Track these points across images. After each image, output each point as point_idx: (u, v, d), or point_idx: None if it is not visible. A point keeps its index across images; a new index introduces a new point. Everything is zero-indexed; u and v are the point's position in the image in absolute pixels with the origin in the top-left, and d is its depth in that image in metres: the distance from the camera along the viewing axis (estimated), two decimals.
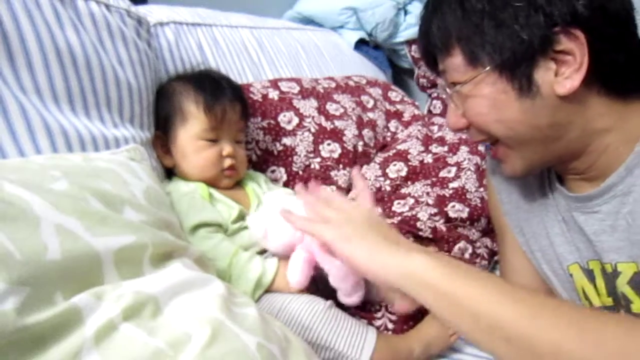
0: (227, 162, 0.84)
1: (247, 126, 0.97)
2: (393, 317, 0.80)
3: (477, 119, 0.61)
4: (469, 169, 1.13)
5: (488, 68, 0.57)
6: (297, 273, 0.70)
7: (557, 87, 0.55)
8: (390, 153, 1.19)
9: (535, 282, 0.75)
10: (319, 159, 1.06)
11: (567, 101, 0.56)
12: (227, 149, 0.83)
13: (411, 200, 1.05)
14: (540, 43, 0.54)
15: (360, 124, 1.19)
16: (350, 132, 1.14)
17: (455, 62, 0.59)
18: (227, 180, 0.85)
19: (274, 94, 1.08)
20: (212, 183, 0.83)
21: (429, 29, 0.61)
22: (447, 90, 0.62)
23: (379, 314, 0.80)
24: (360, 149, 1.14)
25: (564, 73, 0.54)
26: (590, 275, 0.66)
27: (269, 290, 0.73)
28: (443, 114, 1.73)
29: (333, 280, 0.69)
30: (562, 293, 0.71)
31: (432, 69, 0.66)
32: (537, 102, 0.56)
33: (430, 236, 0.96)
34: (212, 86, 0.85)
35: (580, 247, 0.66)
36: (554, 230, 0.69)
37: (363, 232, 0.58)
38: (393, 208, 1.05)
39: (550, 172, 0.70)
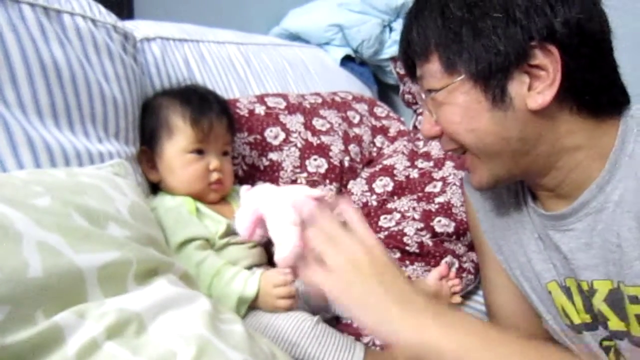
0: (214, 176, 0.83)
1: (234, 141, 0.97)
2: None
3: (449, 127, 0.60)
4: (455, 184, 1.14)
5: (463, 76, 0.57)
6: (243, 227, 0.64)
7: (529, 101, 0.55)
8: (377, 168, 1.19)
9: (516, 300, 0.75)
10: (305, 174, 1.06)
11: (538, 116, 0.56)
12: (214, 163, 0.83)
13: (397, 215, 1.06)
14: (515, 56, 0.54)
15: (347, 139, 1.20)
16: (336, 147, 1.14)
17: (433, 68, 0.60)
18: (214, 194, 0.85)
19: (260, 110, 1.09)
20: (198, 197, 0.83)
21: (409, 34, 0.62)
22: (423, 96, 0.63)
23: (367, 330, 0.79)
24: (346, 164, 1.15)
25: (537, 87, 0.55)
26: (568, 292, 0.66)
27: (254, 306, 0.72)
28: None
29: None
30: (543, 310, 0.71)
31: (411, 75, 0.66)
32: (509, 115, 0.56)
33: (417, 251, 0.96)
34: (199, 100, 0.85)
35: (557, 265, 0.66)
36: (530, 248, 0.69)
37: (371, 290, 0.51)
38: (379, 223, 1.05)
39: (525, 190, 0.70)
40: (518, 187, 0.71)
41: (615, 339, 0.62)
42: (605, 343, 0.64)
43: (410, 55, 0.63)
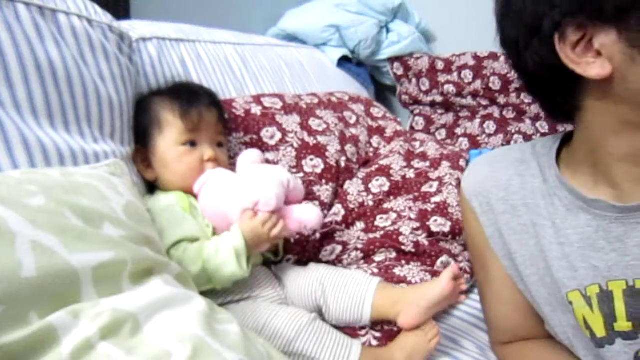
0: (209, 167, 0.83)
1: (228, 133, 0.97)
2: (377, 334, 0.79)
3: None
4: (451, 184, 1.15)
5: None
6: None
7: None
8: (373, 168, 1.20)
9: (520, 310, 0.72)
10: (301, 174, 1.06)
11: None
12: (208, 153, 0.83)
13: (394, 215, 1.06)
14: None
15: (343, 140, 1.20)
16: (333, 147, 1.14)
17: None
18: None
19: (256, 110, 1.08)
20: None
21: None
22: None
23: (363, 332, 0.80)
24: (343, 164, 1.15)
25: None
26: (608, 298, 0.61)
27: (252, 251, 0.74)
28: (425, 130, 1.75)
29: None
30: (553, 318, 0.67)
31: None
32: None
33: (413, 250, 0.96)
34: (187, 93, 0.86)
35: (599, 267, 0.61)
36: (551, 254, 0.65)
37: None
38: (376, 223, 1.05)
39: (562, 192, 0.65)
40: (552, 191, 0.66)
41: None
42: None
43: None
